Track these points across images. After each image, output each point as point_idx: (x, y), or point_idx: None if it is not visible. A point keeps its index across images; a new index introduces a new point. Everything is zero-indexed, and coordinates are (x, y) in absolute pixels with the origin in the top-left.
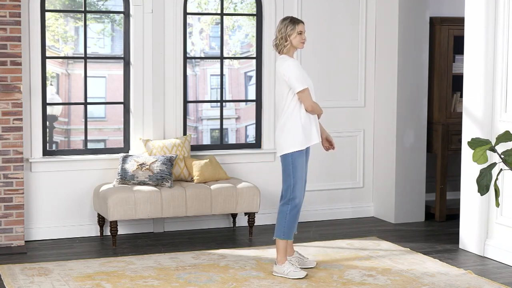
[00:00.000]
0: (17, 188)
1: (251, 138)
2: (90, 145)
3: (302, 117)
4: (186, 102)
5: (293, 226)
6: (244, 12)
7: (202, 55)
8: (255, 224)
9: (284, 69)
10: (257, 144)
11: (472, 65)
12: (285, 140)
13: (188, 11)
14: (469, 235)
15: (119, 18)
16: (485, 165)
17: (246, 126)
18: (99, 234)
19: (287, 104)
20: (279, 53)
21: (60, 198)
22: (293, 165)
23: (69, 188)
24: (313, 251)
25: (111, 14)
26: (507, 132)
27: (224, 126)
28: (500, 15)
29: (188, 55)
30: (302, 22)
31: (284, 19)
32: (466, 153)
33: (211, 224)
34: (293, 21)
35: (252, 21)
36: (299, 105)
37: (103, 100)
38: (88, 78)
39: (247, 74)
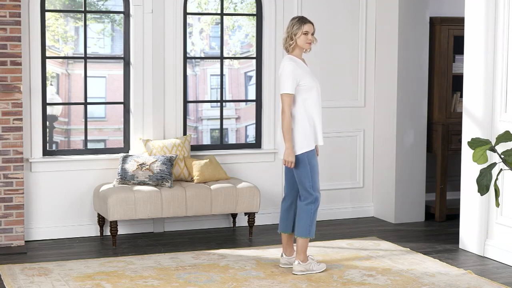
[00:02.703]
0: (17, 188)
1: (251, 138)
2: (90, 145)
3: (309, 117)
4: (186, 102)
5: (315, 223)
6: (244, 12)
7: (202, 55)
8: (255, 224)
9: (281, 69)
10: (257, 144)
11: (472, 65)
12: (296, 141)
13: (188, 11)
14: (469, 235)
15: (119, 18)
16: (485, 165)
17: (246, 126)
18: (99, 234)
19: (294, 106)
20: (287, 52)
21: (60, 198)
22: (310, 165)
23: (69, 188)
24: (313, 251)
25: (111, 14)
26: (507, 132)
27: (224, 126)
28: (500, 15)
29: (188, 55)
30: (311, 23)
31: (293, 18)
32: (466, 153)
33: (211, 224)
34: (300, 21)
35: (252, 21)
36: (305, 106)
37: (103, 100)
38: (88, 78)
39: (247, 74)
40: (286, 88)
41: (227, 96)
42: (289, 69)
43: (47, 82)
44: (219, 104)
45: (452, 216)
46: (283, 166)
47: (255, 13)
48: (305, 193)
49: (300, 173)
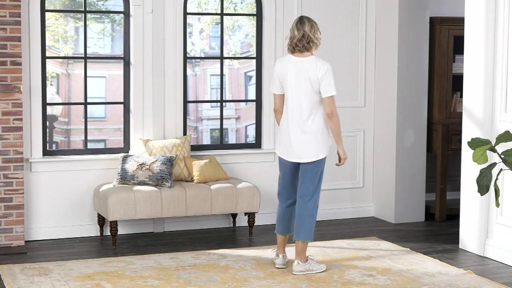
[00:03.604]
0: (17, 188)
1: (251, 138)
2: (90, 145)
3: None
4: (186, 102)
5: None
6: (244, 12)
7: (202, 55)
8: (255, 224)
9: (326, 70)
10: (257, 144)
11: (472, 65)
12: (323, 144)
13: (188, 11)
14: (469, 235)
15: (119, 18)
16: (485, 165)
17: (246, 126)
18: (99, 234)
19: (319, 107)
20: (304, 51)
21: (60, 198)
22: (323, 168)
23: (69, 188)
24: (313, 251)
25: (111, 14)
26: (507, 132)
27: (224, 126)
28: (500, 15)
29: (188, 55)
30: None
31: (309, 19)
32: (466, 153)
33: (211, 224)
34: (315, 23)
35: (252, 21)
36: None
37: (103, 100)
38: (88, 78)
39: (247, 74)
40: (334, 89)
41: (227, 96)
42: (331, 70)
43: (47, 82)
44: (219, 104)
45: (452, 216)
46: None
47: (255, 13)
48: (312, 194)
49: (316, 174)
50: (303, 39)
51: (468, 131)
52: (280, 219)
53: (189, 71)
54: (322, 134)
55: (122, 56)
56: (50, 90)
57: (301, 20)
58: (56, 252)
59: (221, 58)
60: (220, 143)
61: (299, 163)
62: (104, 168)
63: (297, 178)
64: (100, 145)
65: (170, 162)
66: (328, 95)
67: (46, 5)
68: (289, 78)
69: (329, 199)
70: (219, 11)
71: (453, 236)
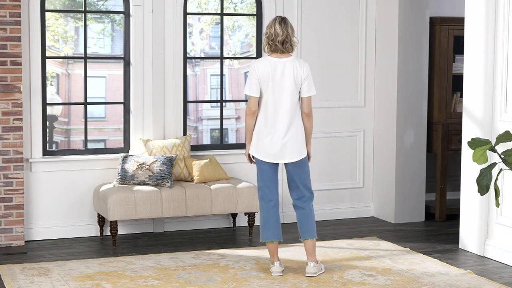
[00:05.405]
0: (17, 188)
1: None
2: (90, 145)
3: None
4: (186, 102)
5: None
6: (244, 12)
7: (202, 55)
8: (255, 224)
9: (308, 70)
10: None
11: (472, 65)
12: (303, 142)
13: (188, 11)
14: (469, 235)
15: (119, 18)
16: (485, 165)
17: None
18: (99, 234)
19: (297, 107)
20: (285, 53)
21: (60, 198)
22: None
23: (69, 188)
24: None
25: (111, 14)
26: (507, 132)
27: (224, 126)
28: (500, 15)
29: (188, 55)
30: None
31: (288, 20)
32: (466, 153)
33: (211, 224)
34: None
35: (252, 21)
36: None
37: (103, 100)
38: (88, 78)
39: (247, 74)
40: (315, 89)
41: (227, 96)
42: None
43: (47, 82)
44: (219, 104)
45: (452, 216)
46: (283, 167)
47: (255, 13)
48: (308, 193)
49: (306, 173)
50: (286, 40)
51: (468, 131)
52: (266, 223)
53: (189, 71)
54: (303, 132)
55: (122, 56)
56: (50, 90)
57: (284, 21)
58: (56, 252)
59: (221, 58)
60: (220, 143)
61: (277, 164)
62: (104, 168)
63: (277, 178)
64: (100, 145)
65: (170, 162)
66: (310, 94)
67: (46, 5)
68: (274, 79)
69: (329, 199)
70: (219, 11)
71: (453, 236)
